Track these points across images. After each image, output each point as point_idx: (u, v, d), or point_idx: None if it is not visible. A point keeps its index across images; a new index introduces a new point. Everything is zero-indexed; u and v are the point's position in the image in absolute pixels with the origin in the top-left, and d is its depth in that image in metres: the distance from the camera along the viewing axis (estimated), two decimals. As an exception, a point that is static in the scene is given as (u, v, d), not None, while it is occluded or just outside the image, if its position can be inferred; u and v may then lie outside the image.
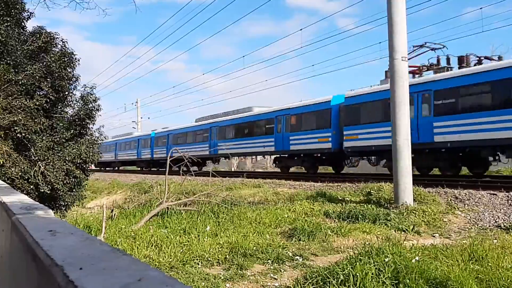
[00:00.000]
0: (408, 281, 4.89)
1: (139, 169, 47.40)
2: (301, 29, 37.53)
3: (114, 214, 12.34)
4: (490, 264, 5.69)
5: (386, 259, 5.32)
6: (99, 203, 21.71)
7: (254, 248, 7.33)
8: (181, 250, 7.21)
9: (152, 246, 7.61)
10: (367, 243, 7.36)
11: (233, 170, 46.46)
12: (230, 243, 7.56)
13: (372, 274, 5.05)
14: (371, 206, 10.89)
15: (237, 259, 6.86)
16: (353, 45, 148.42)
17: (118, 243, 7.80)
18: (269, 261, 6.80)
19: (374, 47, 68.85)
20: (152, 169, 40.84)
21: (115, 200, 21.27)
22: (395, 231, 8.88)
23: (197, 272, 6.35)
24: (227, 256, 7.04)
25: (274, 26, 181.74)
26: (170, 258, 6.89)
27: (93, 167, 37.81)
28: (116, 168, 51.32)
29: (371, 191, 12.41)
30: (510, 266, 5.57)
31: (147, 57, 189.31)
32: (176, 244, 7.60)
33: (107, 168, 51.18)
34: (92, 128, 16.09)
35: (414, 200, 10.95)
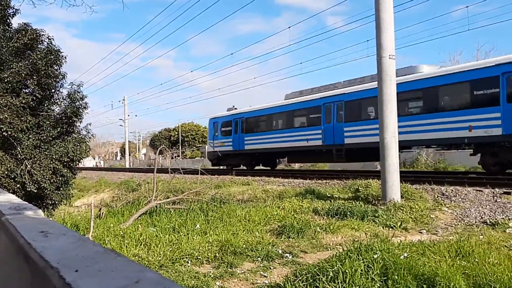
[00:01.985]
0: (396, 277, 4.95)
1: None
2: (289, 27, 37.44)
3: (102, 213, 12.26)
4: (476, 260, 5.78)
5: (375, 256, 5.36)
6: (87, 201, 21.56)
7: (244, 246, 7.35)
8: (171, 249, 7.20)
9: (141, 245, 7.57)
10: (356, 239, 7.43)
11: (221, 168, 46.40)
12: (220, 241, 7.56)
13: (361, 270, 5.09)
14: (359, 203, 10.98)
15: (226, 257, 6.87)
16: (341, 43, 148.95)
17: (106, 242, 7.75)
18: (258, 258, 6.82)
19: (362, 45, 69.21)
20: None
21: (103, 199, 21.12)
22: (383, 227, 8.96)
23: (187, 270, 6.34)
24: (217, 254, 7.04)
25: (262, 24, 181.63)
26: (160, 256, 6.87)
27: (204, 165, 32.09)
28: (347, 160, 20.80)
29: (359, 188, 12.50)
30: (496, 261, 5.66)
31: (135, 54, 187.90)
32: (166, 242, 7.58)
33: (263, 168, 27.80)
34: (79, 126, 15.95)
35: (401, 196, 11.05)
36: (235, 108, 28.61)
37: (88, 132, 16.25)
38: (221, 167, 30.82)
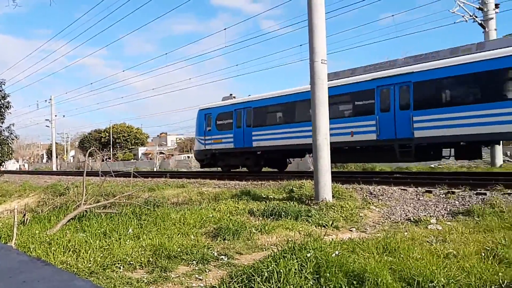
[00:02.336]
0: (328, 275, 5.10)
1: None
2: (225, 29, 37.57)
3: (27, 219, 11.53)
4: (402, 255, 6.11)
5: (308, 255, 5.50)
6: (9, 207, 20.21)
7: (179, 249, 7.24)
8: (101, 255, 6.92)
9: (69, 251, 7.21)
10: (290, 239, 7.57)
11: (155, 170, 45.48)
12: (154, 246, 7.39)
13: (295, 270, 5.20)
14: (293, 203, 11.22)
15: (160, 261, 6.73)
16: (277, 47, 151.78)
17: (31, 249, 7.30)
18: (194, 262, 6.75)
19: (296, 49, 71.00)
20: None
21: (27, 204, 19.89)
22: (316, 226, 9.21)
23: (119, 276, 6.14)
24: (150, 259, 6.87)
25: (198, 24, 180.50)
26: (90, 263, 6.59)
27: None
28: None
29: (293, 189, 12.77)
30: (419, 256, 6.02)
31: (62, 52, 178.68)
32: (96, 248, 7.28)
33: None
34: (1, 126, 14.93)
35: (333, 196, 11.43)
36: (234, 97, 23.68)
37: (11, 134, 15.29)
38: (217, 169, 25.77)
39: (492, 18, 20.75)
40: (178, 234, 8.48)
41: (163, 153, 72.20)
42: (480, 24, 21.01)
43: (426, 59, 15.35)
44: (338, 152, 16.70)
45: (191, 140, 77.64)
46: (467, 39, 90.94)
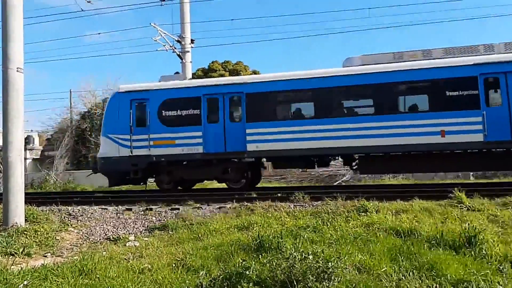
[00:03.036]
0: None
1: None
2: None
3: None
4: (98, 276, 6.04)
5: (-11, 290, 4.80)
6: None
7: None
8: None
9: None
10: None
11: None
12: None
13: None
14: (-27, 231, 9.59)
15: None
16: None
17: None
18: None
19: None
20: None
21: None
22: (2, 256, 8.14)
23: None
24: None
25: None
26: None
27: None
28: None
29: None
30: (115, 275, 6.08)
31: None
32: None
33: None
34: None
35: (26, 220, 10.40)
36: (183, 77, 15.96)
37: None
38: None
39: (188, 51, 23.33)
40: None
41: None
42: (179, 55, 23.32)
43: None
44: (421, 158, 13.64)
45: None
46: (169, 66, 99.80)
